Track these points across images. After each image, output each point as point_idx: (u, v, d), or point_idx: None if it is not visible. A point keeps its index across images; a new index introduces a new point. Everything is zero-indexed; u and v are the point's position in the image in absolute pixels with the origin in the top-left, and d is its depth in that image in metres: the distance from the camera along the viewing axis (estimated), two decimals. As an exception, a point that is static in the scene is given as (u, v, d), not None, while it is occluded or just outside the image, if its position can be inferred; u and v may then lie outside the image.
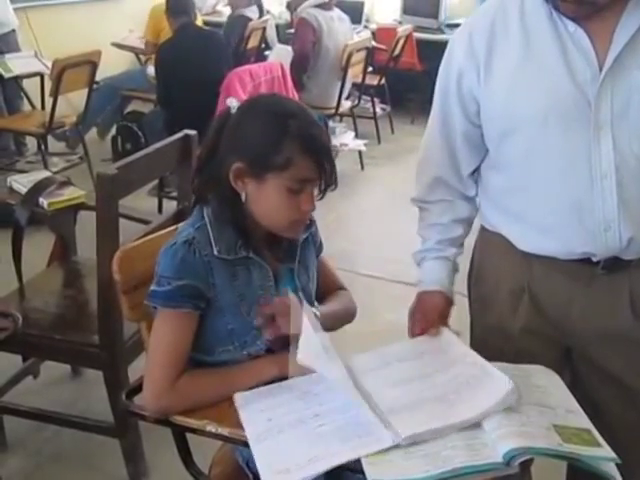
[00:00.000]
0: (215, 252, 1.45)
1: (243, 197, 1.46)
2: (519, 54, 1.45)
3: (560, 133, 1.42)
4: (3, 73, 4.92)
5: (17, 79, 5.17)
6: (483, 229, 1.71)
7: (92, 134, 5.77)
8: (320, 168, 1.43)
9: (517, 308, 1.59)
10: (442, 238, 1.68)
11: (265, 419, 1.31)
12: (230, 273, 1.47)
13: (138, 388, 1.50)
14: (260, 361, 1.50)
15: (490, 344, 1.63)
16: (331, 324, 1.60)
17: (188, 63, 4.36)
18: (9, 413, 2.57)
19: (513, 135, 1.48)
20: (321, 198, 1.49)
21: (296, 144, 1.40)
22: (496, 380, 1.31)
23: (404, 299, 1.74)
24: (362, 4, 7.36)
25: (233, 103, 1.48)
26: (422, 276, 1.69)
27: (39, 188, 2.64)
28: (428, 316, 1.59)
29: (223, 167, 1.45)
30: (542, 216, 1.50)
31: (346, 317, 1.74)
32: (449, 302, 1.66)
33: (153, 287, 1.44)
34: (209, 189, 1.51)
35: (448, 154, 1.63)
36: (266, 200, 1.45)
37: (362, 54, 5.74)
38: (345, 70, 5.33)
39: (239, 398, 1.39)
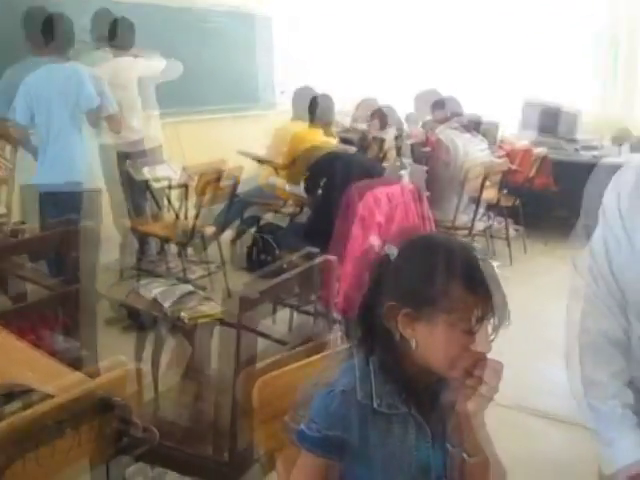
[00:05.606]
0: (375, 405, 1.40)
1: (413, 344, 1.39)
2: None
3: None
4: (153, 184, 5.21)
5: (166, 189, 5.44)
6: None
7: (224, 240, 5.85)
8: (487, 304, 1.35)
9: None
10: None
11: None
12: (385, 428, 1.41)
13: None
14: None
15: None
16: None
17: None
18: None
19: None
20: (493, 339, 1.39)
21: (461, 284, 1.33)
22: None
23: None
24: (497, 125, 7.40)
25: (392, 250, 1.43)
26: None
27: (182, 302, 2.74)
28: None
29: (390, 316, 1.40)
30: None
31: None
32: None
33: (303, 427, 1.41)
34: (376, 339, 1.44)
35: None
36: (440, 343, 1.37)
37: (498, 177, 5.73)
38: (480, 192, 5.33)
39: None
